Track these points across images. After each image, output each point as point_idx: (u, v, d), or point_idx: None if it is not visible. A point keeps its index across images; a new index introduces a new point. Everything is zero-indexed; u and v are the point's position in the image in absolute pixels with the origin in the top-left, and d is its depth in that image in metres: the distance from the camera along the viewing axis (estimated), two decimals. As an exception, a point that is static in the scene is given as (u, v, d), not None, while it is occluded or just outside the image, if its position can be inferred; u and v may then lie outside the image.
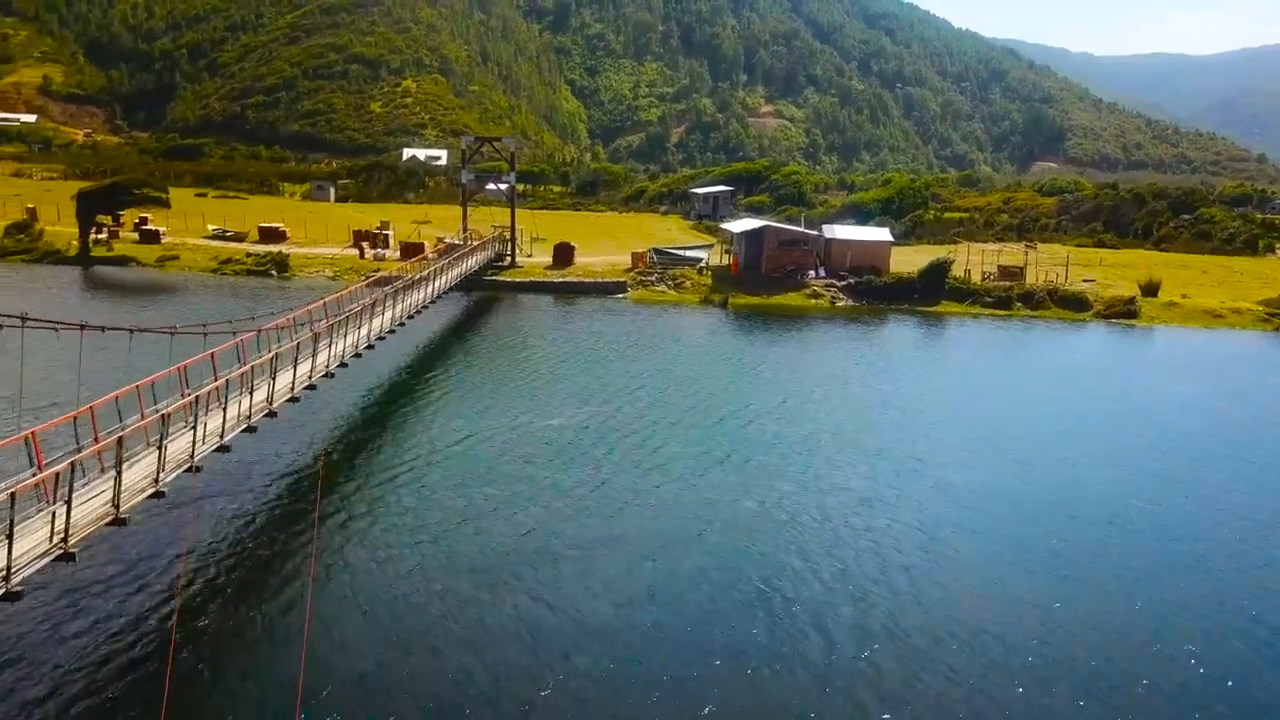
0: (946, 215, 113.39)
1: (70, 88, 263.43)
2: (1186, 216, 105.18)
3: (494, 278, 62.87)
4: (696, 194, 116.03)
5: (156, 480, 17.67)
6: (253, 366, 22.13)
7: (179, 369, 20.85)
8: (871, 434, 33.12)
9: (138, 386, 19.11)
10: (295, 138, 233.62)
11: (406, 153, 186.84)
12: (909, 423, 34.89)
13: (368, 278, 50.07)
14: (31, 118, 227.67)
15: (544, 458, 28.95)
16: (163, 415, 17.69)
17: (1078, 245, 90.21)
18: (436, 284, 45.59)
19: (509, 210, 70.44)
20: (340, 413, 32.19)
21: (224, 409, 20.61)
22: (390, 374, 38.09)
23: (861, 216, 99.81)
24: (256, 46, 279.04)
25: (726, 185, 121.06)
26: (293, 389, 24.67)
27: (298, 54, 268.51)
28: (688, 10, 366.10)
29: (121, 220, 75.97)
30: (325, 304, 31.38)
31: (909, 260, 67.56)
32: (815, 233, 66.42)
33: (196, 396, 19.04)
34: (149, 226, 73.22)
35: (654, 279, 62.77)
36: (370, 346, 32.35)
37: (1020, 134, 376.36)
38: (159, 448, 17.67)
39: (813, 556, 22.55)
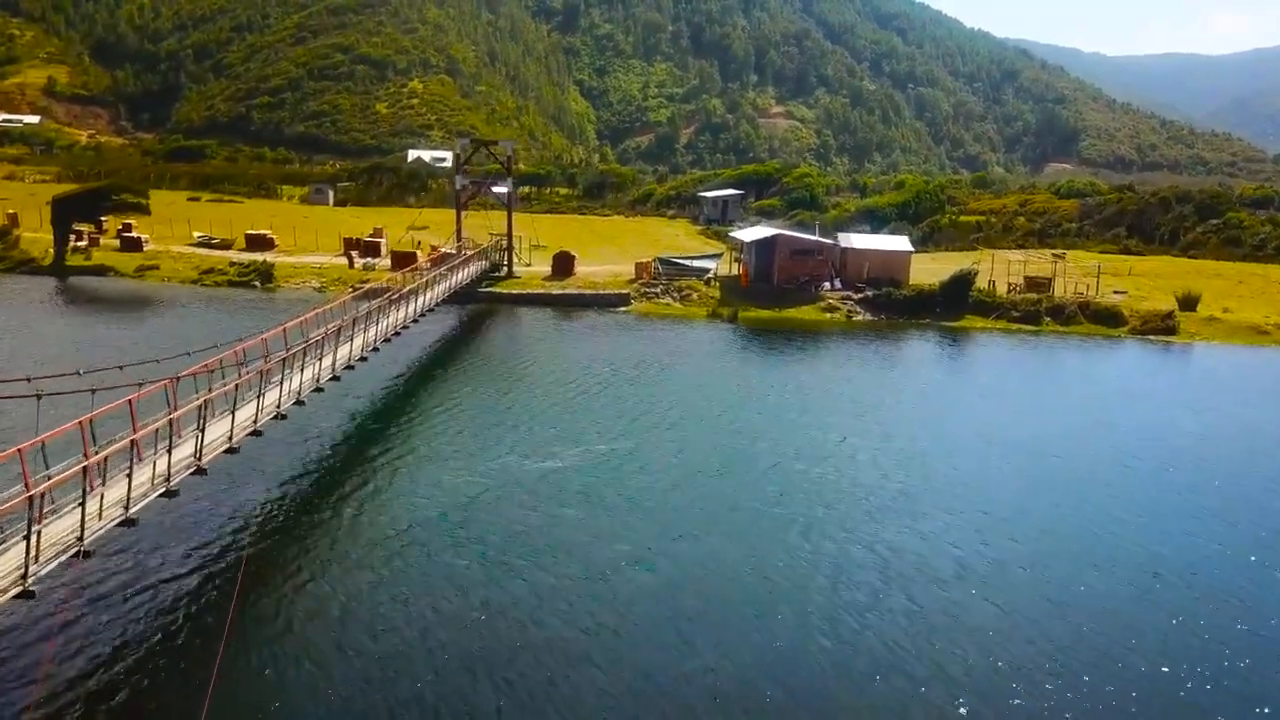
0: (962, 219, 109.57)
1: (75, 88, 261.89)
2: (1214, 221, 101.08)
3: (489, 289, 59.39)
4: (705, 197, 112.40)
5: (24, 575, 14.22)
6: (171, 420, 18.52)
7: (81, 423, 17.38)
8: (921, 477, 28.91)
9: (19, 450, 15.56)
10: (300, 139, 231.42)
11: (412, 154, 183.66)
12: (962, 462, 30.71)
13: (355, 289, 46.85)
14: (35, 119, 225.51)
15: (543, 511, 24.97)
16: (30, 496, 14.19)
17: (1102, 251, 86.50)
18: (422, 300, 42.13)
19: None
20: (288, 462, 27.58)
21: (130, 475, 17.09)
22: (358, 408, 33.82)
23: (876, 222, 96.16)
24: (262, 47, 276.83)
25: (736, 188, 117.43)
26: (230, 438, 21.19)
27: (304, 54, 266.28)
28: (697, 10, 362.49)
29: (104, 227, 72.89)
30: (285, 330, 27.89)
31: (927, 269, 63.94)
32: (830, 242, 62.74)
33: (85, 467, 15.50)
34: (132, 234, 69.95)
35: (659, 291, 59.20)
36: (336, 378, 28.79)
37: (1033, 135, 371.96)
38: (29, 533, 14.21)
39: (882, 660, 18.32)
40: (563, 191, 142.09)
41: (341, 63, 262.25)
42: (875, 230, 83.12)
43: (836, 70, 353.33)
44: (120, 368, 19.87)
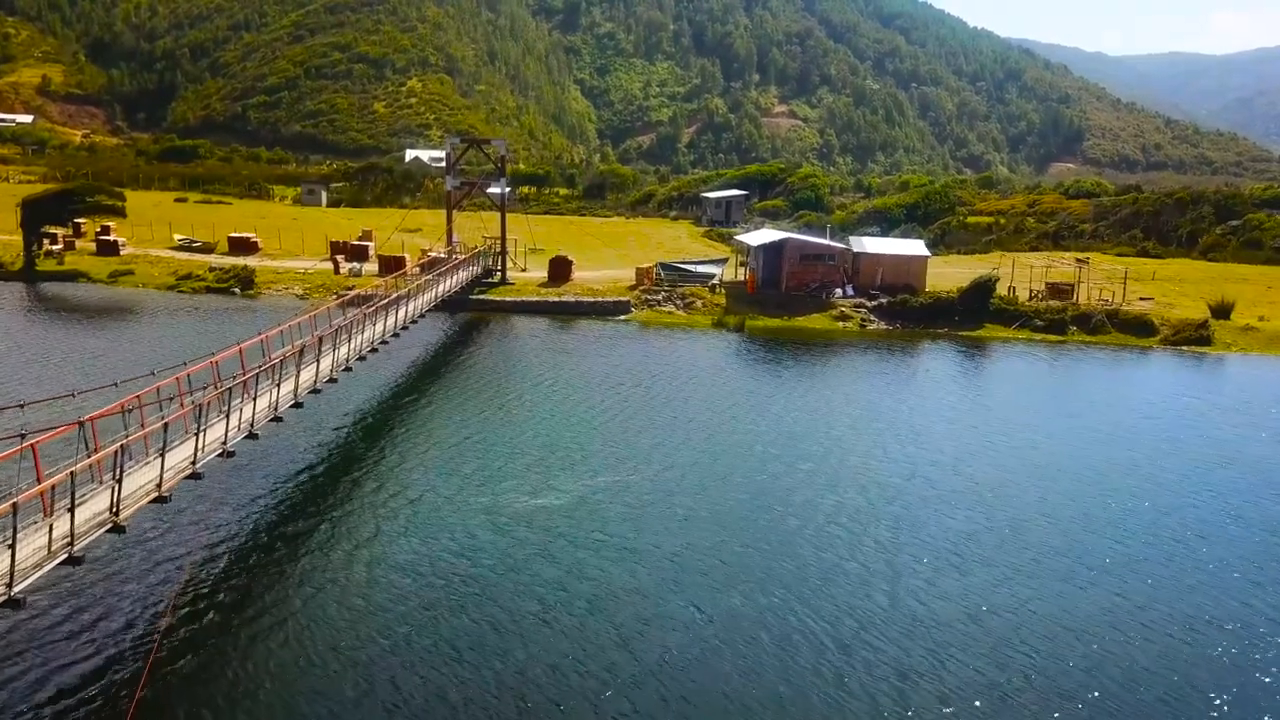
0: (970, 220, 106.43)
1: (70, 88, 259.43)
2: (1234, 222, 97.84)
3: (482, 296, 56.23)
4: (708, 198, 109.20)
5: None
6: (72, 473, 15.25)
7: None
8: (983, 515, 25.28)
9: None
10: (297, 139, 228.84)
11: (410, 154, 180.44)
12: (1023, 499, 26.71)
13: (338, 296, 43.80)
14: (28, 118, 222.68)
15: (557, 560, 21.56)
16: None
17: (1119, 254, 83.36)
18: (406, 310, 39.02)
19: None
20: (233, 510, 23.60)
21: (13, 544, 13.90)
22: (326, 438, 29.82)
23: (885, 223, 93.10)
24: (259, 46, 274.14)
25: (739, 189, 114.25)
26: (159, 484, 18.02)
27: (301, 53, 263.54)
28: (699, 9, 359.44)
29: (82, 230, 69.80)
30: (242, 350, 24.77)
31: (940, 273, 60.87)
32: (842, 246, 59.52)
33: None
34: (110, 236, 66.76)
35: (661, 298, 56.00)
36: (298, 404, 25.58)
37: (1037, 134, 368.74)
38: None
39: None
40: (562, 192, 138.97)
41: (339, 61, 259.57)
42: (884, 232, 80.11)
43: (839, 69, 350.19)
44: (21, 406, 16.67)
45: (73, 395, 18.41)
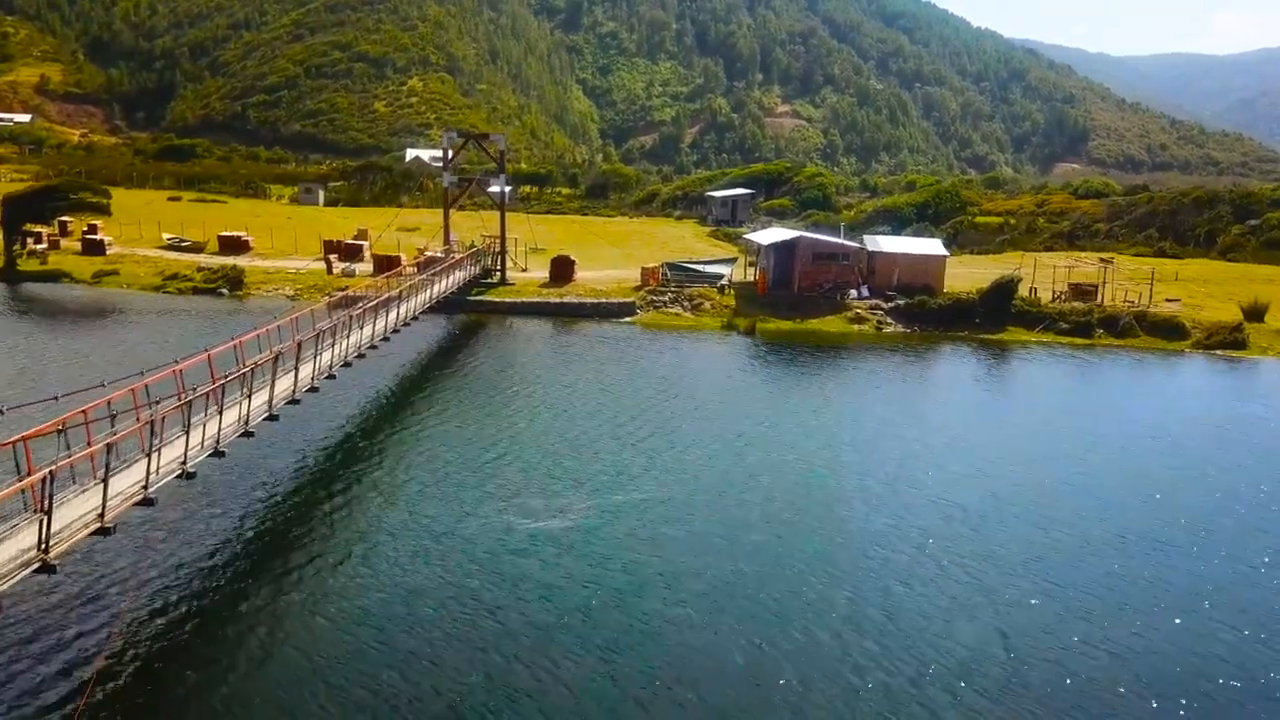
0: (979, 219, 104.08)
1: (68, 87, 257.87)
2: (1253, 222, 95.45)
3: (480, 297, 53.91)
4: (714, 197, 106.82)
5: None
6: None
7: None
8: (1061, 540, 22.62)
9: None
10: (297, 138, 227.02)
11: (410, 153, 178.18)
12: (1107, 532, 23.55)
13: (329, 297, 41.56)
14: (26, 118, 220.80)
15: (569, 594, 19.17)
16: None
17: (1136, 254, 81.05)
18: (398, 312, 36.72)
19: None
20: (190, 539, 21.10)
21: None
22: (301, 456, 27.11)
23: (895, 223, 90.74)
24: (259, 45, 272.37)
25: (745, 188, 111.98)
26: (102, 515, 15.66)
27: (301, 52, 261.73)
28: (702, 8, 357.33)
29: (69, 229, 67.53)
30: (211, 356, 22.42)
31: (955, 274, 58.51)
32: (857, 245, 57.10)
33: None
34: (96, 235, 64.43)
35: (667, 299, 53.63)
36: (273, 417, 23.18)
37: (1042, 135, 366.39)
38: None
39: None
40: (565, 191, 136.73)
41: (339, 60, 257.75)
42: (895, 232, 77.79)
43: (843, 69, 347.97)
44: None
45: (1, 413, 16.09)
